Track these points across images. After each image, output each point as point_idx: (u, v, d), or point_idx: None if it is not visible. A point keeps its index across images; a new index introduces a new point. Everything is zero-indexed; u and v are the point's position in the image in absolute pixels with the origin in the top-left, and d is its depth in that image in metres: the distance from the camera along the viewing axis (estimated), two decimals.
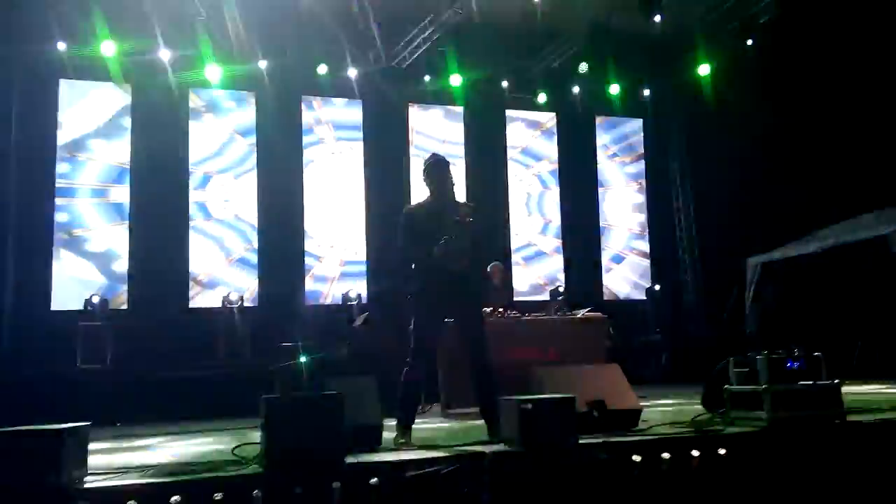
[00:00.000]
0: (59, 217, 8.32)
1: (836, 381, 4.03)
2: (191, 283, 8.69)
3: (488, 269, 7.24)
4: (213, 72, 8.51)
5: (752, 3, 8.70)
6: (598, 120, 10.69)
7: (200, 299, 8.68)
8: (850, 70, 8.42)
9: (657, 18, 8.53)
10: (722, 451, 3.73)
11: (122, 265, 8.46)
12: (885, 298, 7.26)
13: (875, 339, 7.24)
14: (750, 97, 9.65)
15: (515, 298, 9.35)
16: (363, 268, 9.36)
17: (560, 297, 8.30)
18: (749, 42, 9.01)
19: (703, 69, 9.50)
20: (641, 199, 10.78)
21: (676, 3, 8.63)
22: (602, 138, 10.71)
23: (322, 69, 9.04)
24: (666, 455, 3.66)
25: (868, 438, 3.87)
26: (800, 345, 4.52)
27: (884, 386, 6.51)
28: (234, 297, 8.33)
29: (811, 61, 8.77)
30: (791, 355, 4.39)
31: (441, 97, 9.90)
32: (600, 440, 3.70)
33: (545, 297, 9.19)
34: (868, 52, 8.15)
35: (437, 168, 4.40)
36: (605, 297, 10.09)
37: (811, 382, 4.05)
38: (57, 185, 8.35)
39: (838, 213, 7.93)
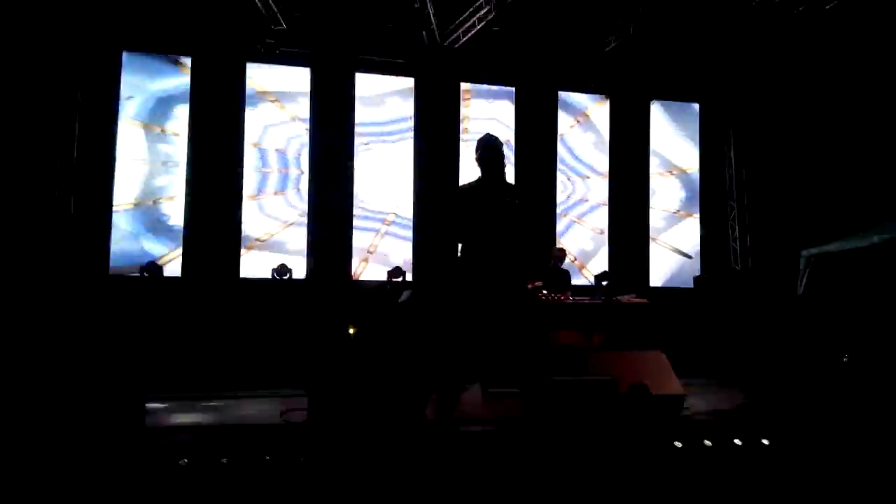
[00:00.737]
0: None
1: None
2: (242, 252, 8.89)
3: (554, 250, 7.38)
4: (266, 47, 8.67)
5: None
6: (654, 104, 10.50)
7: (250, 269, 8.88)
8: None
9: None
10: (765, 441, 3.71)
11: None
12: None
13: None
14: (809, 83, 9.37)
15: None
16: (409, 246, 9.43)
17: (605, 283, 8.25)
18: (811, 26, 8.68)
19: (765, 53, 9.22)
20: (695, 186, 10.58)
21: None
22: (656, 122, 10.51)
23: (376, 47, 9.09)
24: (708, 442, 3.66)
25: None
26: (851, 342, 4.44)
27: None
28: (282, 269, 8.50)
29: (876, 48, 8.45)
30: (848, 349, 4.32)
31: (494, 77, 9.86)
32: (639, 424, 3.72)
33: (591, 281, 9.15)
34: None
35: (489, 148, 4.44)
36: (652, 284, 9.98)
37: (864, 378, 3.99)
38: None
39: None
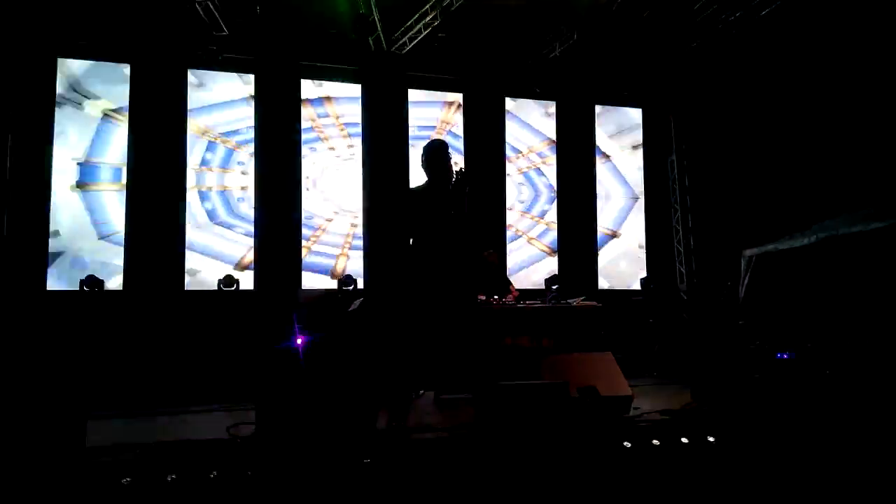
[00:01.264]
0: None
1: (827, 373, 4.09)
2: (186, 266, 8.70)
3: (487, 254, 7.30)
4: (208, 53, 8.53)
5: None
6: (598, 109, 10.68)
7: (195, 282, 8.70)
8: (853, 61, 8.42)
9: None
10: (711, 439, 3.79)
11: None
12: (879, 293, 7.30)
13: (866, 333, 7.29)
14: (749, 87, 9.68)
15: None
16: (360, 254, 9.37)
17: (555, 287, 8.34)
18: (748, 32, 8.98)
19: (704, 58, 9.49)
20: (639, 189, 10.80)
21: None
22: (601, 127, 10.70)
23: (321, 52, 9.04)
24: (656, 441, 3.72)
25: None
26: (792, 337, 4.58)
27: None
28: (229, 280, 8.35)
29: (814, 51, 8.77)
30: (783, 347, 4.46)
31: (440, 84, 9.90)
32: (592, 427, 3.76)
33: (540, 285, 9.24)
34: (872, 43, 8.15)
35: (436, 152, 4.47)
36: (600, 287, 10.13)
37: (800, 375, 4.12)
38: None
39: (835, 208, 7.96)
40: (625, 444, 3.63)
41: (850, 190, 8.29)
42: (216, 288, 8.37)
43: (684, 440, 3.73)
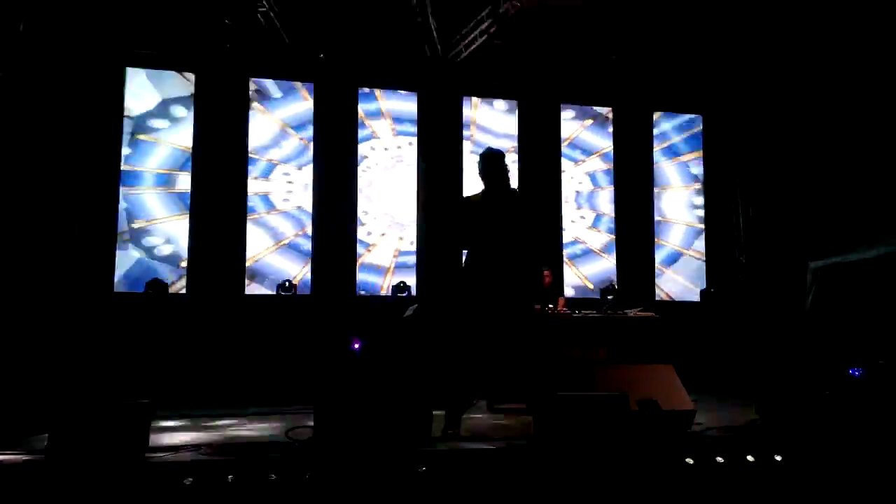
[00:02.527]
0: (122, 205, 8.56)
1: None
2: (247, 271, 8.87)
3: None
4: (271, 61, 8.69)
5: None
6: (656, 115, 10.50)
7: (254, 287, 8.86)
8: None
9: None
10: (778, 458, 3.65)
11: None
12: None
13: None
14: (818, 95, 9.35)
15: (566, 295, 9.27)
16: (414, 259, 9.40)
17: (611, 297, 8.20)
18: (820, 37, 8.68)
19: (768, 65, 9.22)
20: (700, 198, 10.54)
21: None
22: (660, 133, 10.51)
23: (379, 61, 9.13)
24: (720, 459, 3.60)
25: None
26: (860, 356, 4.40)
27: None
28: (287, 285, 8.50)
29: (879, 57, 8.43)
30: (855, 363, 4.28)
31: (496, 90, 9.88)
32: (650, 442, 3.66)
33: (595, 294, 9.10)
34: None
35: (491, 160, 4.46)
36: (658, 298, 9.92)
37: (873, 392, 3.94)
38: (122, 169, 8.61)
39: None
40: (687, 460, 3.52)
41: None
42: (275, 293, 8.53)
43: (750, 458, 3.60)
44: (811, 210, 9.33)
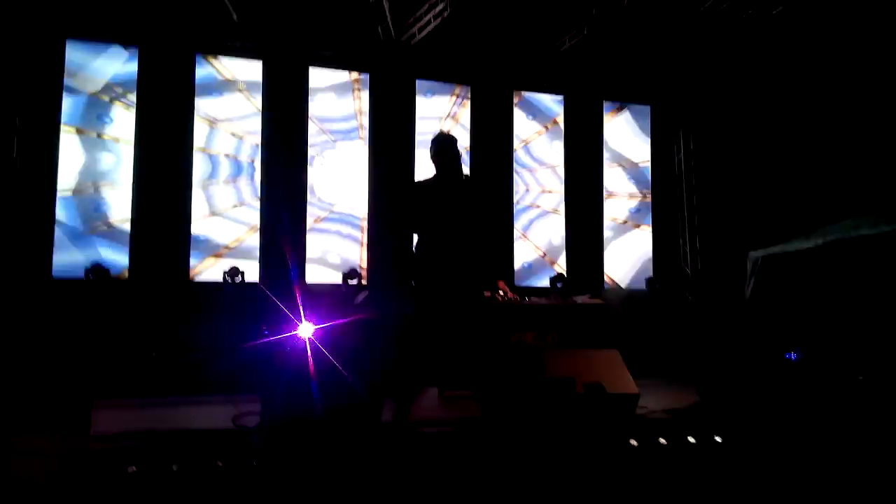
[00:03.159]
0: None
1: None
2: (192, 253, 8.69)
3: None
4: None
5: None
6: (606, 104, 10.64)
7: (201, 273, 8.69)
8: (863, 63, 8.35)
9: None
10: (718, 439, 3.77)
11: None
12: (886, 296, 7.26)
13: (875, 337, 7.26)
14: (758, 88, 9.61)
15: (517, 282, 9.37)
16: (364, 247, 9.35)
17: (560, 284, 8.32)
18: (759, 31, 8.92)
19: (714, 57, 9.44)
20: (646, 188, 10.75)
21: None
22: (608, 122, 10.66)
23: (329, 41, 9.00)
24: (663, 440, 3.70)
25: None
26: (797, 341, 4.57)
27: None
28: (234, 272, 8.34)
29: (824, 52, 8.70)
30: (792, 347, 4.44)
31: (449, 74, 9.84)
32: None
33: (545, 283, 9.21)
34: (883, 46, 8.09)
35: (444, 144, 4.43)
36: (606, 285, 10.10)
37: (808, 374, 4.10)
38: None
39: (844, 211, 7.90)
40: (631, 441, 3.61)
41: (856, 193, 8.23)
42: (221, 280, 8.37)
43: (691, 439, 3.71)
44: (752, 200, 9.61)
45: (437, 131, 4.60)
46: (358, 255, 9.33)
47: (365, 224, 9.37)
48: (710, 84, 10.16)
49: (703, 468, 3.59)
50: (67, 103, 8.35)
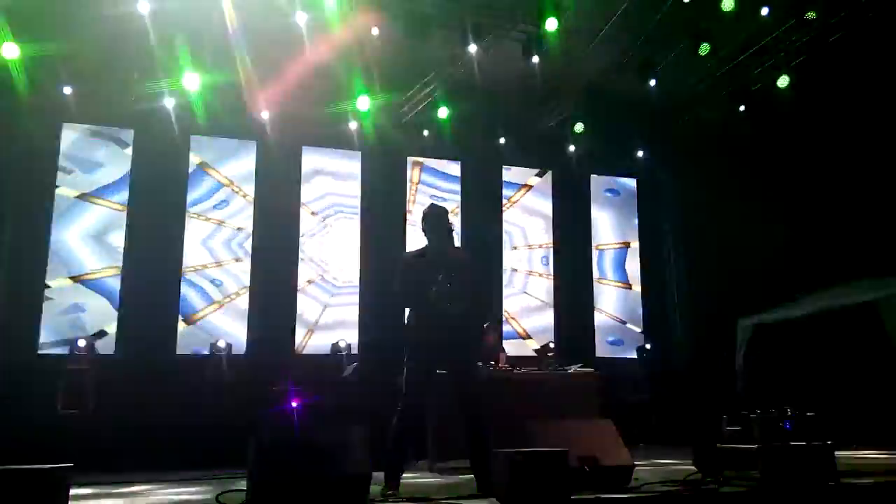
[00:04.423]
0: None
1: (829, 443, 4.01)
2: (179, 328, 8.62)
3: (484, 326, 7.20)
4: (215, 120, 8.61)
5: (744, 74, 8.97)
6: (594, 178, 10.84)
7: (187, 345, 8.60)
8: (845, 138, 8.60)
9: (652, 83, 8.78)
10: None
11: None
12: (873, 364, 7.28)
13: (863, 404, 7.24)
14: (743, 161, 9.85)
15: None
16: (355, 318, 9.31)
17: (550, 354, 8.26)
18: (741, 108, 9.22)
19: (697, 132, 9.71)
20: (635, 258, 10.84)
21: (671, 69, 8.89)
22: (596, 197, 10.84)
23: (324, 120, 9.21)
24: None
25: (863, 501, 3.83)
26: (791, 407, 4.53)
27: (874, 451, 6.47)
28: (221, 344, 8.26)
29: (805, 129, 8.97)
30: (785, 415, 4.39)
31: (440, 152, 10.03)
32: (592, 496, 3.65)
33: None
34: (866, 122, 8.34)
35: (435, 217, 4.47)
36: (597, 354, 10.05)
37: (805, 443, 4.03)
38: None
39: (830, 278, 7.99)
40: None
41: (844, 262, 8.35)
42: (209, 353, 8.27)
43: None
44: (740, 270, 9.68)
45: (428, 204, 4.64)
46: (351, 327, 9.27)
47: (357, 297, 9.35)
48: (695, 157, 10.35)
49: None
50: None
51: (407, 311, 4.51)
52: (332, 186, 9.63)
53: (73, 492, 3.31)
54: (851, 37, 7.77)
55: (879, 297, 7.06)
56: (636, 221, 10.95)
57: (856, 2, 7.46)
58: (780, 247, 9.19)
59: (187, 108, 8.39)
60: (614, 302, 10.58)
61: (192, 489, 4.73)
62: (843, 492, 3.87)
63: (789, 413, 4.24)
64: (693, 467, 4.46)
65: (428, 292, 4.26)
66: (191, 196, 8.98)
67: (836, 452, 4.03)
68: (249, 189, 9.24)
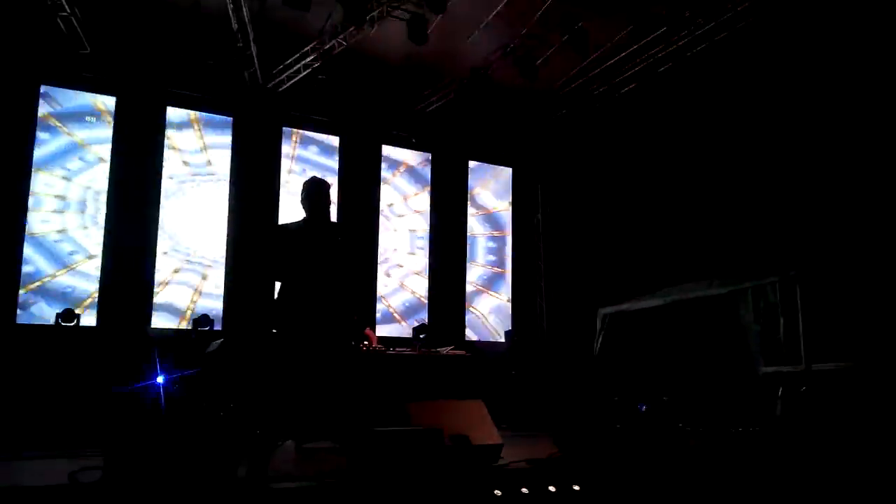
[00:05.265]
0: None
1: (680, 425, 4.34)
2: (23, 294, 7.89)
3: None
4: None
5: (616, 73, 9.42)
6: (471, 164, 11.01)
7: (30, 316, 7.90)
8: (714, 139, 9.21)
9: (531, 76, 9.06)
10: (576, 487, 3.88)
11: None
12: (720, 353, 7.90)
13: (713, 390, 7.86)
14: (610, 155, 10.37)
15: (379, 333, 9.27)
16: (220, 292, 8.93)
17: (423, 336, 8.33)
18: (613, 105, 9.71)
19: (569, 127, 10.11)
20: (507, 245, 11.15)
21: (549, 66, 9.20)
22: (472, 182, 11.02)
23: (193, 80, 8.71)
24: (525, 490, 3.75)
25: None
26: (645, 393, 4.85)
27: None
28: (69, 315, 7.63)
29: (676, 126, 9.54)
30: (640, 400, 4.71)
31: (317, 125, 9.81)
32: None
33: (408, 333, 9.20)
34: (729, 125, 8.97)
35: (316, 189, 4.35)
36: (467, 338, 10.26)
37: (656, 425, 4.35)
38: None
39: (688, 275, 8.57)
40: (496, 492, 3.62)
41: (694, 258, 8.99)
42: (54, 322, 7.62)
43: (552, 488, 3.78)
44: (603, 261, 10.23)
45: (309, 176, 4.51)
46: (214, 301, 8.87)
47: (220, 269, 8.95)
48: (567, 150, 10.81)
49: None
50: None
51: (277, 284, 4.36)
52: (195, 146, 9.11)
53: None
54: (719, 44, 8.33)
55: (737, 289, 7.62)
56: (510, 209, 11.24)
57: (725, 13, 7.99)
58: (646, 242, 9.76)
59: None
60: (487, 285, 10.83)
61: (43, 465, 4.35)
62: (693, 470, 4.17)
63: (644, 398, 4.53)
64: (555, 447, 4.68)
65: (302, 265, 4.15)
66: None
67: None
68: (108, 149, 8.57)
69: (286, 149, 9.65)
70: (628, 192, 10.14)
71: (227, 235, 9.04)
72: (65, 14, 7.57)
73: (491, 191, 11.19)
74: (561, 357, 9.52)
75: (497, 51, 9.03)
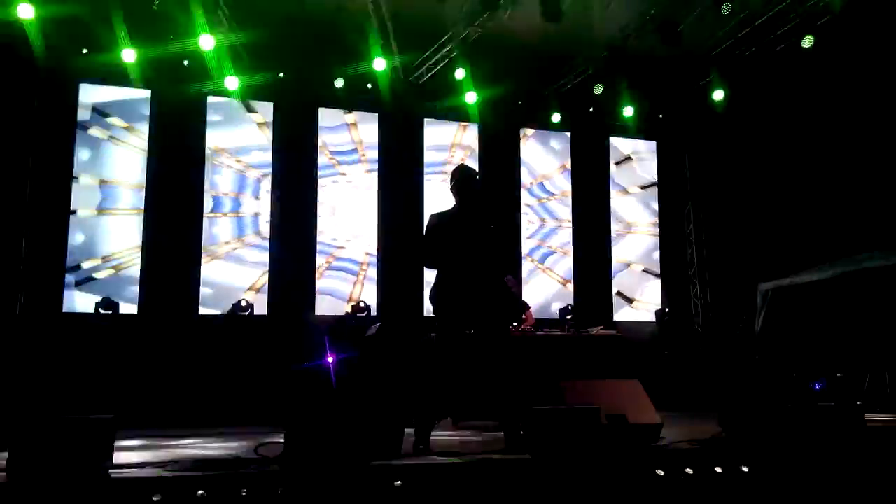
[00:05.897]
0: None
1: (858, 404, 4.04)
2: (202, 290, 8.69)
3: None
4: (231, 82, 8.54)
5: (770, 30, 8.77)
6: (613, 141, 10.74)
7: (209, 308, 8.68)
8: (873, 103, 8.43)
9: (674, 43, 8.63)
10: (745, 469, 3.73)
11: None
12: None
13: (886, 368, 7.23)
14: (767, 123, 9.72)
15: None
16: (374, 281, 9.36)
17: (570, 316, 8.27)
18: (767, 69, 9.06)
19: (718, 94, 9.55)
20: (654, 221, 10.79)
21: (693, 30, 8.73)
22: (615, 159, 10.75)
23: (339, 82, 9.13)
24: (689, 470, 3.66)
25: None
26: (816, 370, 4.56)
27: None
28: (244, 303, 8.31)
29: (832, 90, 8.81)
30: (814, 377, 4.43)
31: (457, 115, 9.94)
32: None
33: (554, 314, 9.17)
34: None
35: (464, 179, 4.47)
36: (615, 318, 10.07)
37: (833, 403, 4.07)
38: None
39: (853, 245, 7.93)
40: (658, 472, 3.57)
41: (862, 229, 8.28)
42: (229, 312, 8.34)
43: (718, 469, 3.67)
44: (760, 233, 9.64)
45: (457, 164, 4.64)
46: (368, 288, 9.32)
47: (376, 259, 9.37)
48: (717, 118, 10.21)
49: (732, 498, 3.55)
50: None
51: (434, 272, 4.52)
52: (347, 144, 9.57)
53: (116, 443, 3.39)
54: None
55: None
56: (656, 185, 10.86)
57: None
58: (805, 215, 9.10)
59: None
60: (636, 257, 10.56)
61: (231, 443, 4.83)
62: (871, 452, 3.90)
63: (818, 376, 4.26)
64: (719, 427, 4.51)
65: (459, 252, 4.28)
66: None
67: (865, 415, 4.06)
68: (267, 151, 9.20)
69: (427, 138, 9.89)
70: (782, 162, 9.46)
71: (377, 227, 9.43)
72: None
73: (634, 166, 10.84)
74: (717, 335, 9.11)
75: (635, 19, 8.70)
